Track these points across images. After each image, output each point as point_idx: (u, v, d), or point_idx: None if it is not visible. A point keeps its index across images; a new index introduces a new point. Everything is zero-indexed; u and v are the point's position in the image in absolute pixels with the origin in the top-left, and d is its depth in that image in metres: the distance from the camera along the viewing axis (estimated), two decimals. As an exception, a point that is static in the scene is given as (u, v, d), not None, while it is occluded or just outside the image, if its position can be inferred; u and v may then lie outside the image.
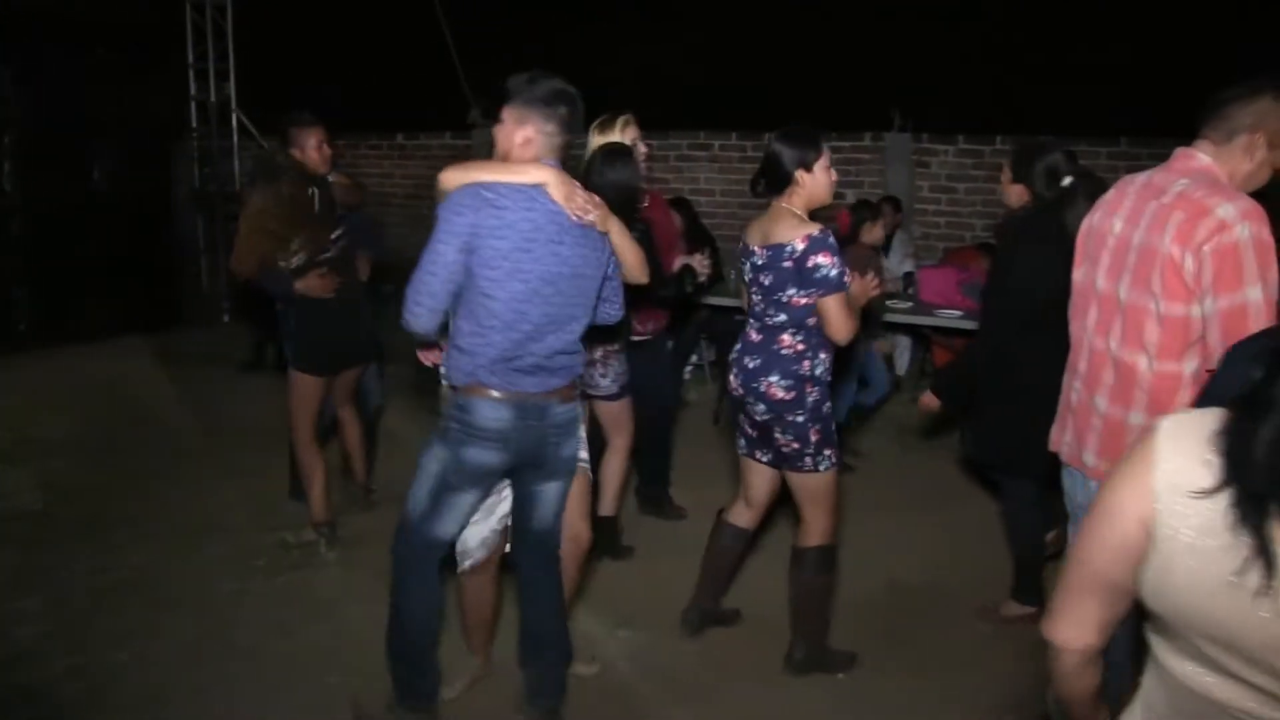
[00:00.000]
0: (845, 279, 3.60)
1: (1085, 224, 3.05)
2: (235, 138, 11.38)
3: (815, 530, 3.87)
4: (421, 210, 11.23)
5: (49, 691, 3.78)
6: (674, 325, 5.92)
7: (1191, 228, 2.61)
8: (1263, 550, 1.31)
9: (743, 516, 4.12)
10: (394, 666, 3.53)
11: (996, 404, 4.19)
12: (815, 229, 3.60)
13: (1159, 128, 9.60)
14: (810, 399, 3.71)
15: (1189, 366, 2.69)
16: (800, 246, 3.57)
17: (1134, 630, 2.84)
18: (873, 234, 6.39)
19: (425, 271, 3.02)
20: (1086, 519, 1.55)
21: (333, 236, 4.88)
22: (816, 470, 3.78)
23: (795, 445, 3.74)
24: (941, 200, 9.81)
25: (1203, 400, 2.08)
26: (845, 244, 6.24)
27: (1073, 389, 3.03)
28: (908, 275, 8.11)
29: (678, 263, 4.90)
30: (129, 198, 10.20)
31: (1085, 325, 2.97)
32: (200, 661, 3.98)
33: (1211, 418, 1.41)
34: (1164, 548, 1.41)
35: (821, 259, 3.56)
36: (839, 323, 3.60)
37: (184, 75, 11.03)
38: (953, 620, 4.44)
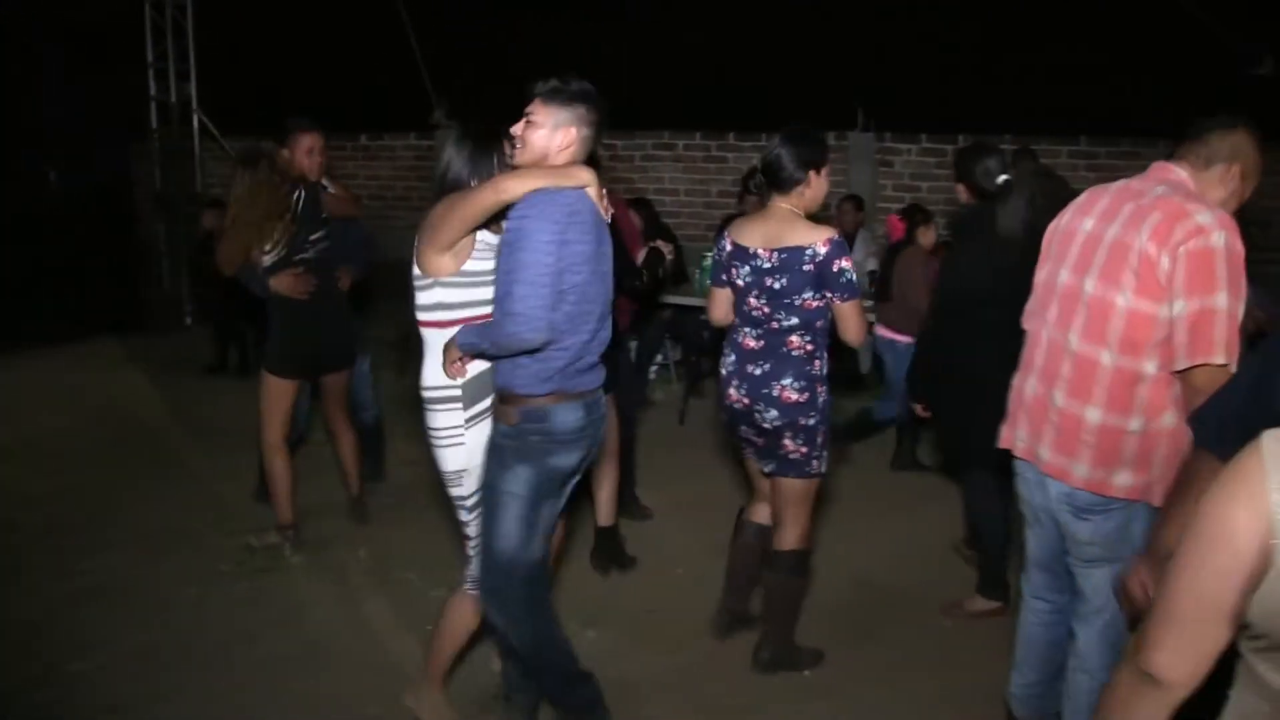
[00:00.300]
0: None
1: (1053, 225, 3.06)
2: (196, 139, 11.30)
3: (795, 534, 3.89)
4: (385, 212, 11.18)
5: (5, 703, 3.73)
6: (638, 324, 5.90)
7: (1169, 228, 2.63)
8: None
9: (763, 513, 4.11)
10: (567, 694, 3.37)
11: (944, 398, 4.28)
12: (833, 232, 3.62)
13: (1117, 127, 9.74)
14: (821, 400, 3.72)
15: (1149, 365, 2.70)
16: (823, 250, 3.56)
17: (1114, 640, 2.88)
18: (927, 237, 6.35)
19: (534, 285, 2.89)
20: (1192, 539, 1.46)
21: (312, 238, 4.83)
22: (815, 475, 3.80)
23: (804, 450, 3.73)
24: (905, 199, 9.86)
25: (1253, 402, 2.08)
26: (901, 248, 6.27)
27: (1026, 385, 3.03)
28: (872, 274, 8.14)
29: (642, 254, 4.89)
30: (88, 199, 10.10)
31: (1045, 320, 2.98)
32: (161, 669, 3.94)
33: None
34: None
35: (845, 263, 3.58)
36: (858, 326, 3.65)
37: (144, 75, 10.92)
38: (919, 618, 4.45)
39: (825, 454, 3.79)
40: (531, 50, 11.12)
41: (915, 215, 6.43)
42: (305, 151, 4.92)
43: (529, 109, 3.12)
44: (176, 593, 4.56)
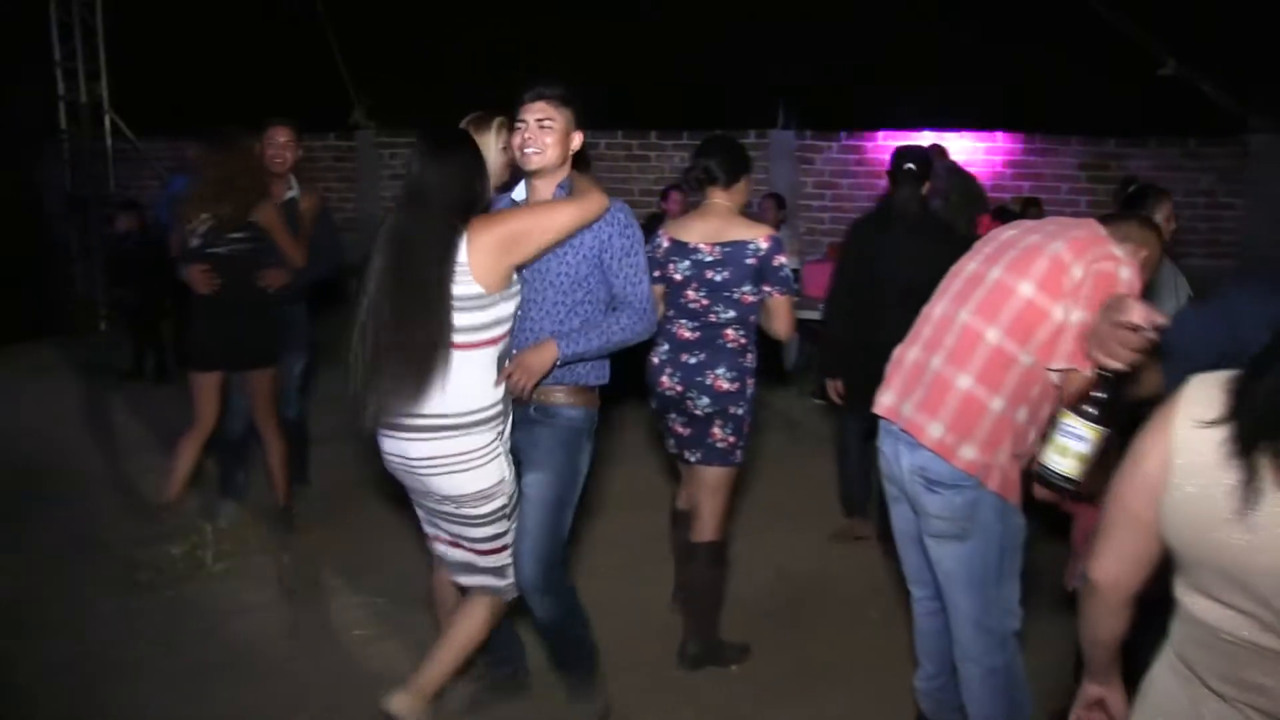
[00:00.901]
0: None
1: (992, 233, 3.15)
2: (109, 140, 11.05)
3: (712, 525, 3.99)
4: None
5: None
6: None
7: (1087, 245, 2.78)
8: (1249, 480, 1.54)
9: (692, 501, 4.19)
10: (586, 660, 3.59)
11: (861, 378, 4.42)
12: (773, 230, 3.94)
13: (1032, 124, 9.95)
14: (750, 391, 3.91)
15: (1026, 357, 2.79)
16: (765, 245, 3.80)
17: (990, 626, 2.95)
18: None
19: (649, 285, 3.37)
20: (1123, 464, 1.78)
21: (231, 235, 4.86)
22: (736, 464, 3.95)
23: (731, 439, 3.90)
24: (825, 196, 9.98)
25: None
26: None
27: (908, 353, 3.07)
28: (793, 271, 8.21)
29: None
30: (-6, 202, 9.83)
31: (941, 300, 3.06)
32: (76, 685, 3.84)
33: (1230, 376, 1.64)
34: (1176, 481, 1.66)
35: (784, 258, 3.86)
36: (789, 320, 3.90)
37: (51, 74, 10.64)
38: (841, 607, 4.51)
39: (745, 443, 3.93)
40: (460, 50, 11.07)
41: (1002, 217, 6.18)
42: (278, 147, 5.09)
43: (533, 112, 3.18)
44: (94, 606, 4.45)
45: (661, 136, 10.75)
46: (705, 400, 3.85)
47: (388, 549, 4.98)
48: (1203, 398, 1.65)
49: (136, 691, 3.81)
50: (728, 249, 3.81)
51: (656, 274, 3.90)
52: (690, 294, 3.87)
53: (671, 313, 3.94)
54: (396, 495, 5.61)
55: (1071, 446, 2.49)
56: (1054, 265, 2.78)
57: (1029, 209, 8.17)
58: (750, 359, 3.90)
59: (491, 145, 3.90)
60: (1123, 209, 4.22)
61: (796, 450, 6.61)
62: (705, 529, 3.99)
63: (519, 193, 3.40)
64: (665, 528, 4.45)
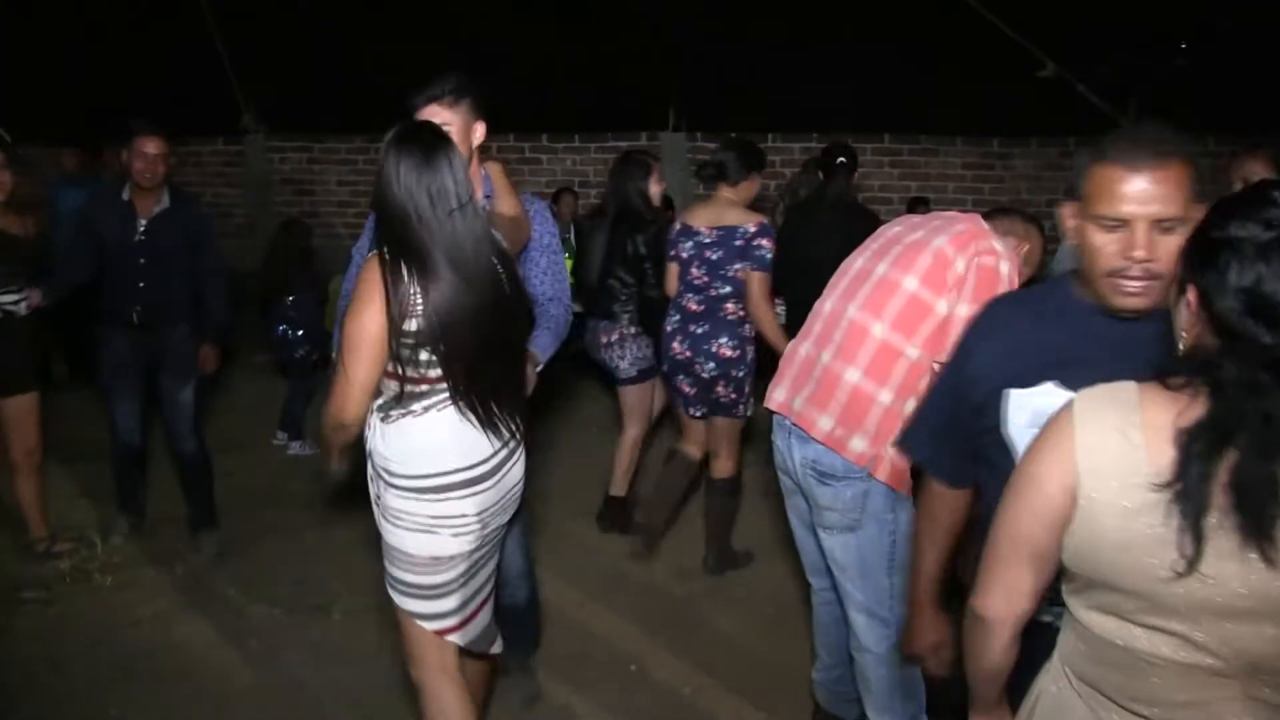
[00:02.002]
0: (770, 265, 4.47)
1: (879, 230, 3.23)
2: (-16, 145, 10.67)
3: (728, 465, 4.74)
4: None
5: None
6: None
7: (970, 240, 2.86)
8: (1196, 539, 1.41)
9: (690, 450, 4.89)
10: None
11: None
12: (763, 218, 4.56)
13: (916, 125, 10.18)
14: (749, 356, 4.59)
15: (913, 350, 2.87)
16: (752, 229, 4.47)
17: (883, 616, 3.03)
18: None
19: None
20: (1010, 490, 1.65)
21: None
22: (741, 416, 4.65)
23: (734, 396, 4.60)
24: (718, 197, 10.07)
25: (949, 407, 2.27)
26: None
27: (801, 348, 3.16)
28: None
29: None
30: None
31: (831, 296, 3.13)
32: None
33: (1125, 392, 1.53)
34: (1086, 511, 1.52)
35: (766, 242, 4.45)
36: (759, 297, 4.46)
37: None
38: (734, 610, 4.56)
39: (750, 400, 4.59)
40: (353, 53, 10.94)
41: None
42: (140, 155, 4.65)
43: (427, 117, 3.08)
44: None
45: (553, 140, 10.77)
46: (711, 365, 4.54)
47: (283, 558, 4.93)
48: (1099, 420, 1.53)
49: (19, 712, 3.72)
50: (722, 232, 4.50)
51: (671, 253, 4.66)
52: (695, 271, 4.56)
53: (681, 288, 4.63)
54: (292, 503, 5.59)
55: None
56: (937, 260, 2.85)
57: (917, 207, 8.41)
58: (748, 329, 4.57)
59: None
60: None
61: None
62: (721, 468, 4.74)
63: None
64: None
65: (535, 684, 3.79)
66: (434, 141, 2.61)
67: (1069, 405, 1.58)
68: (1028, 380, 2.02)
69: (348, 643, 4.16)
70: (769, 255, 4.45)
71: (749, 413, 4.66)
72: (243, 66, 10.70)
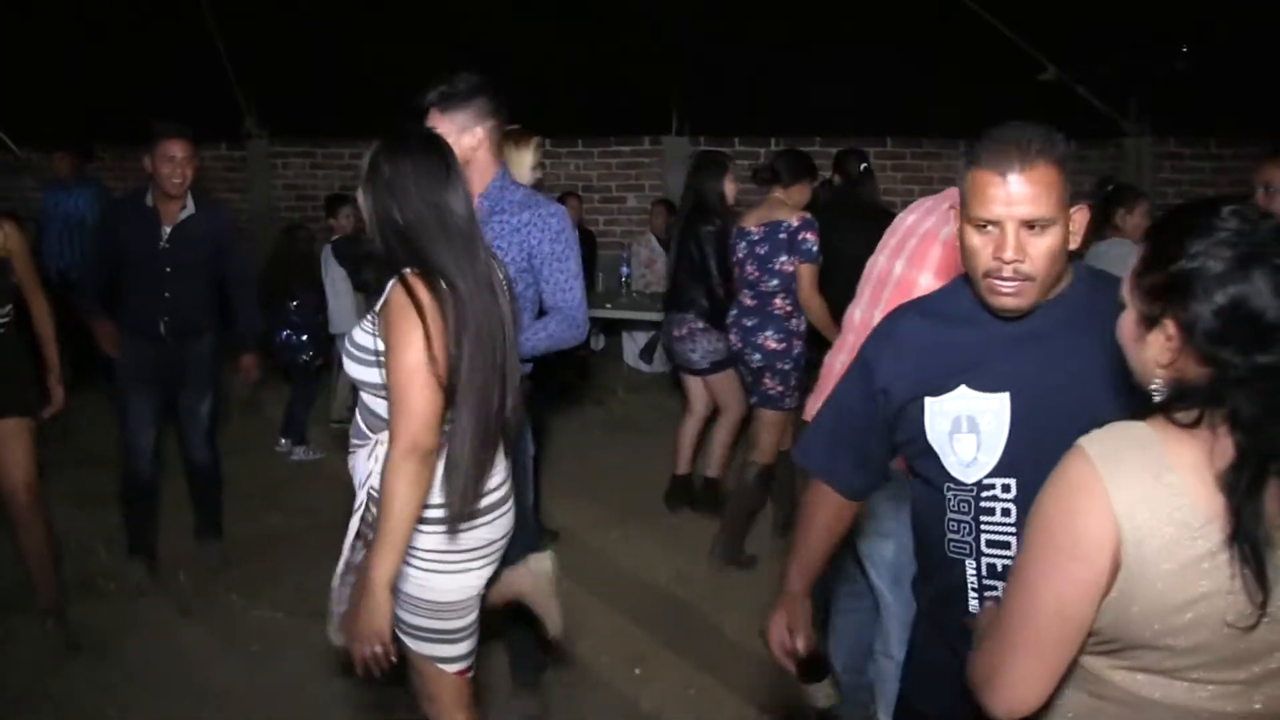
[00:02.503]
0: (819, 256, 4.74)
1: (897, 219, 3.20)
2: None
3: (767, 452, 4.95)
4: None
5: None
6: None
7: None
8: (1263, 583, 1.33)
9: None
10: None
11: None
12: (807, 214, 4.84)
13: (919, 128, 10.18)
14: (796, 350, 4.88)
15: None
16: (795, 223, 4.77)
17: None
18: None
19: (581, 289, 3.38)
20: (1035, 565, 1.46)
21: None
22: (785, 409, 4.89)
23: (780, 388, 4.89)
24: (719, 201, 10.07)
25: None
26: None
27: (836, 360, 3.12)
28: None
29: None
30: None
31: (859, 303, 3.11)
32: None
33: (1137, 431, 1.43)
34: (1135, 572, 1.38)
35: (809, 235, 4.75)
36: (808, 288, 4.75)
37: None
38: (736, 611, 4.54)
39: (796, 394, 4.80)
40: (355, 58, 10.93)
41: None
42: (167, 160, 4.39)
43: (427, 122, 3.10)
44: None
45: (556, 144, 10.77)
46: (758, 356, 4.88)
47: (285, 563, 4.93)
48: (1131, 467, 1.40)
49: (23, 716, 3.73)
50: (768, 227, 4.84)
51: (733, 259, 5.01)
52: (748, 268, 4.90)
53: (739, 285, 4.99)
54: (295, 508, 5.60)
55: (818, 695, 2.25)
56: (946, 250, 2.82)
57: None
58: (795, 324, 4.86)
59: (527, 161, 4.03)
60: (1101, 208, 4.72)
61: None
62: (761, 454, 4.96)
63: None
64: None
65: (538, 704, 3.73)
66: (445, 149, 2.54)
67: (1079, 454, 1.44)
68: (942, 386, 1.99)
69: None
70: (814, 248, 4.74)
71: (794, 405, 4.83)
72: (242, 67, 10.69)
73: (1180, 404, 1.41)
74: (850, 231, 5.12)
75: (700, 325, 5.27)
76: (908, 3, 10.18)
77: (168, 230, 4.57)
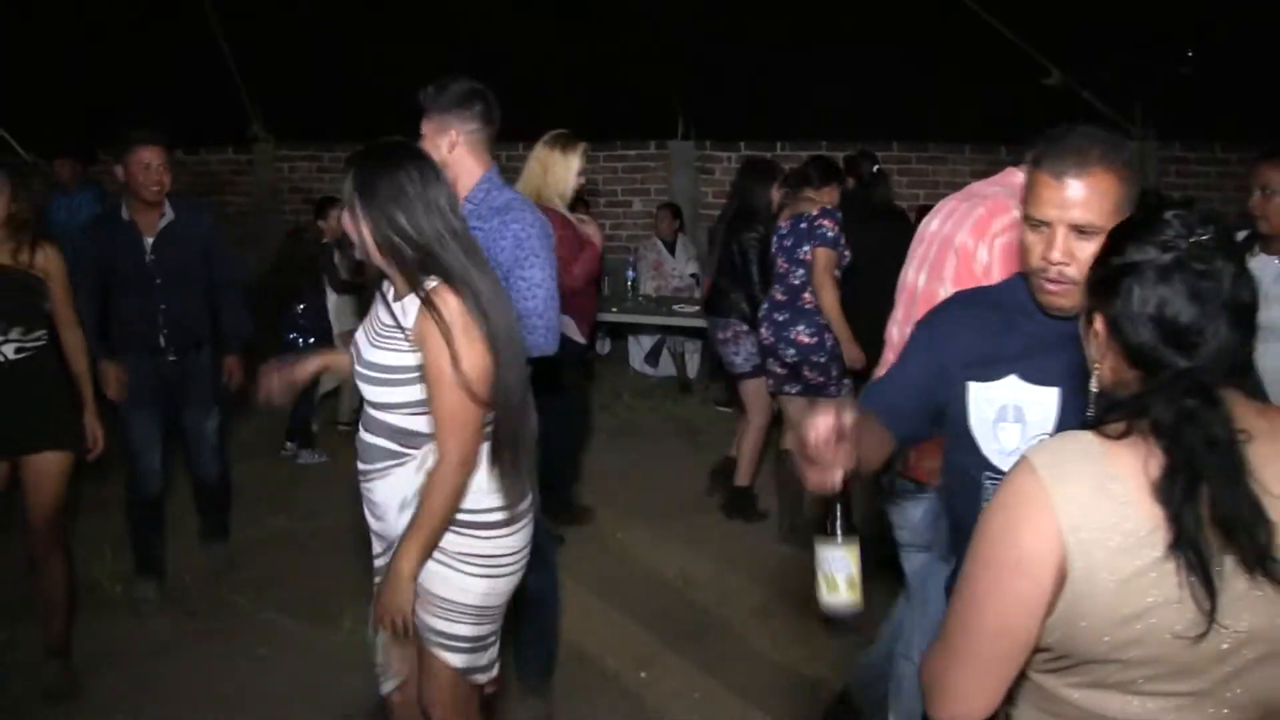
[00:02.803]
0: (839, 243, 4.85)
1: (920, 229, 3.19)
2: (-8, 154, 10.70)
3: None
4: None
5: None
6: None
7: (989, 220, 2.79)
8: (1210, 591, 1.31)
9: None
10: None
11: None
12: (828, 207, 4.99)
13: (925, 133, 10.17)
14: (829, 342, 4.93)
15: None
16: (814, 213, 4.94)
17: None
18: None
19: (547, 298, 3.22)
20: (978, 579, 1.45)
21: None
22: (836, 395, 4.92)
23: (821, 378, 4.98)
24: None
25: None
26: None
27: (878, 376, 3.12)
28: (694, 278, 8.35)
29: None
30: None
31: (895, 320, 3.09)
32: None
33: (1082, 441, 1.41)
34: (1082, 585, 1.35)
35: (827, 222, 4.89)
36: (821, 272, 4.83)
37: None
38: (740, 614, 4.57)
39: (842, 380, 4.97)
40: (357, 61, 10.93)
41: None
42: (143, 168, 4.24)
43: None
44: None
45: (562, 148, 10.76)
46: (791, 351, 4.98)
47: (292, 567, 4.94)
48: (1074, 476, 1.38)
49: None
50: (793, 220, 5.02)
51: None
52: (780, 263, 5.04)
53: (773, 280, 5.10)
54: (301, 512, 5.61)
55: (837, 576, 1.90)
56: (961, 258, 2.81)
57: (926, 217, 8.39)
58: (824, 317, 4.89)
59: (574, 167, 4.06)
60: None
61: (699, 458, 6.62)
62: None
63: None
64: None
65: (545, 706, 3.74)
66: (426, 154, 2.56)
67: (1024, 466, 1.42)
68: (990, 374, 2.02)
69: (357, 651, 4.16)
70: (830, 233, 4.85)
71: (842, 391, 4.94)
72: (244, 68, 10.70)
73: (1109, 415, 1.42)
74: (865, 233, 5.29)
75: (744, 329, 5.39)
76: (910, 5, 10.17)
77: (150, 241, 4.44)
